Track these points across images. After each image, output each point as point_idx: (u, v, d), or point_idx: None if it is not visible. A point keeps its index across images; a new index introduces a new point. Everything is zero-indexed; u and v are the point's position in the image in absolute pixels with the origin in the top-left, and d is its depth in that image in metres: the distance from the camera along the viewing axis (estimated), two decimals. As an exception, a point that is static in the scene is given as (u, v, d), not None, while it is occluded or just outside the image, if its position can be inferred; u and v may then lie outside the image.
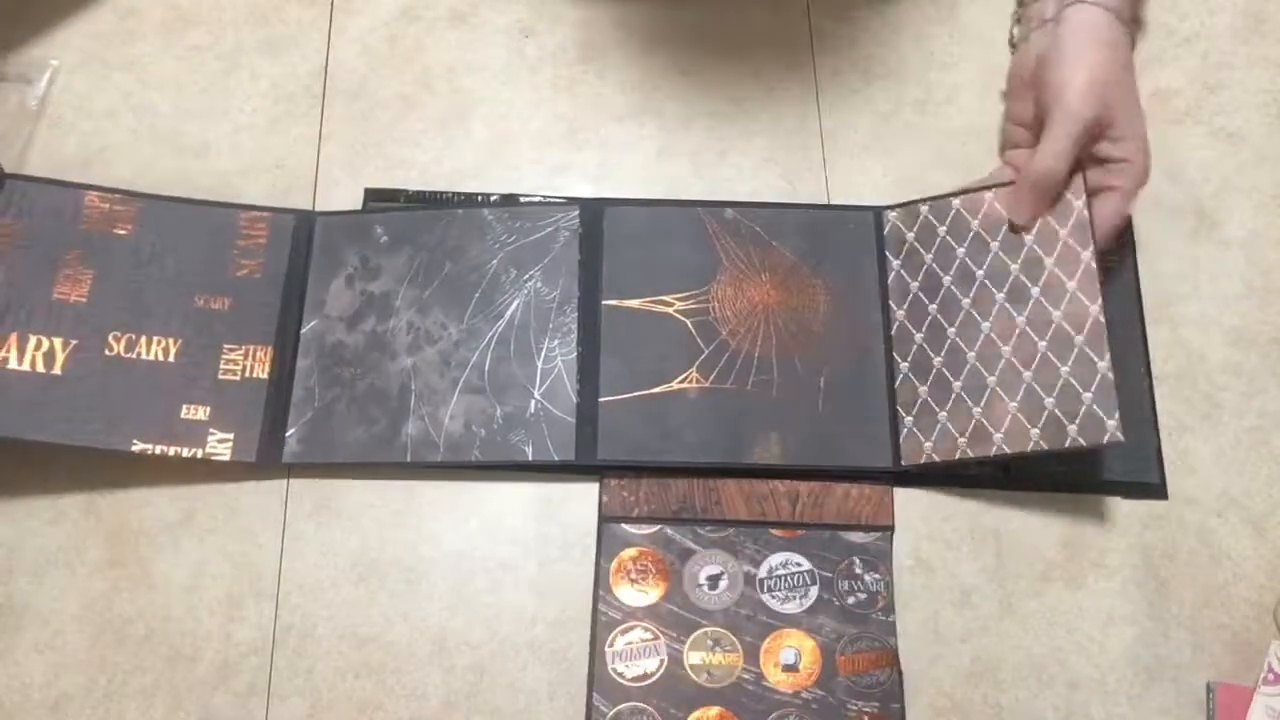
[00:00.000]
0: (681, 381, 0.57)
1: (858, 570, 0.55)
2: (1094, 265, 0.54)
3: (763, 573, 0.55)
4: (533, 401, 0.57)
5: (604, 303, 0.59)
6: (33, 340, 0.57)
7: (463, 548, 0.56)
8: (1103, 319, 0.53)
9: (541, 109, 0.66)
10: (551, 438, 0.57)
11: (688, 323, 0.59)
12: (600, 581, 0.55)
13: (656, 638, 0.54)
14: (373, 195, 0.63)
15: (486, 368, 0.58)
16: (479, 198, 0.63)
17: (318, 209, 0.63)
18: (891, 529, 0.56)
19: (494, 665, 0.54)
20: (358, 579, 0.56)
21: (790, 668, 0.53)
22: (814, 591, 0.54)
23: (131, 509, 0.57)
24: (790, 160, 0.64)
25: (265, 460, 0.56)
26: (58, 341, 0.57)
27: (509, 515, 0.57)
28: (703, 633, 0.54)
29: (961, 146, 0.64)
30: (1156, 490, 0.57)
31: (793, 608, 0.54)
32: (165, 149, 0.64)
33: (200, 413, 0.57)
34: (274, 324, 0.59)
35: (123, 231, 0.60)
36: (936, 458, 0.55)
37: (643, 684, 0.53)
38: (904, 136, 0.64)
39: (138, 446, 0.56)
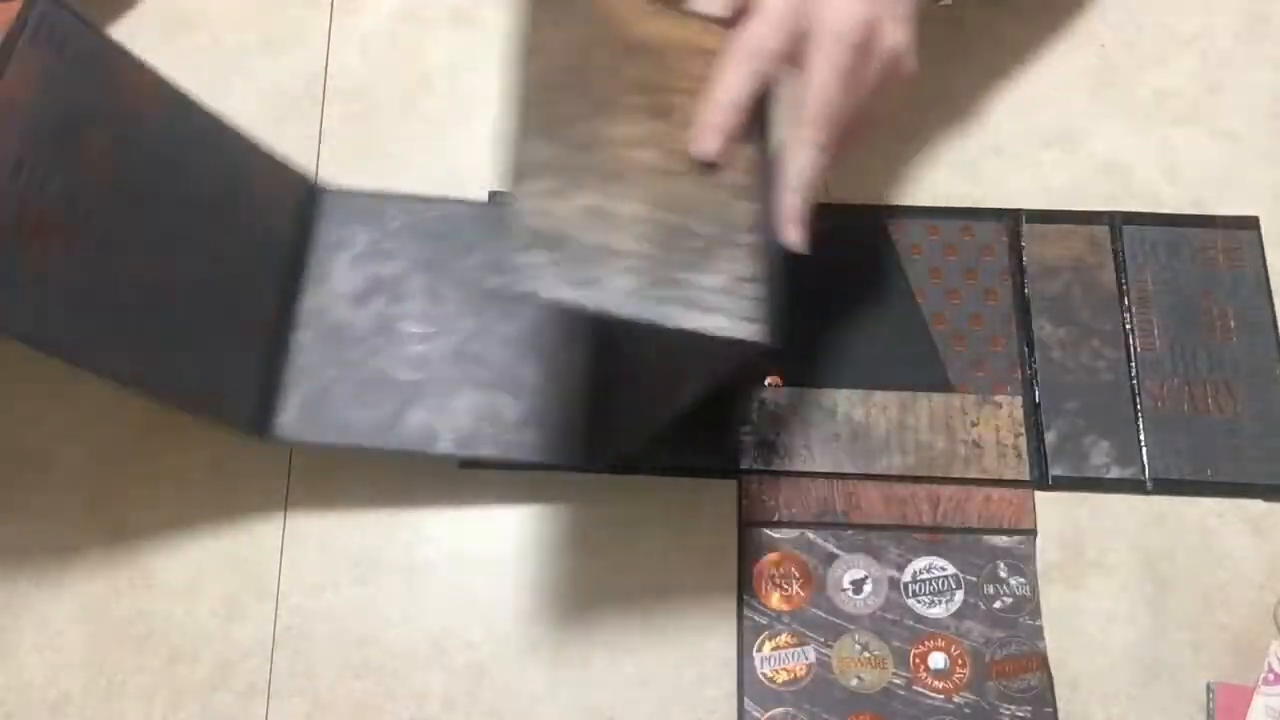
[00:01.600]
0: None
1: (1002, 574, 0.55)
2: None
3: (907, 577, 0.55)
4: (546, 401, 0.57)
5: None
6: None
7: (463, 548, 0.56)
8: None
9: (541, 109, 0.65)
10: (563, 439, 0.56)
11: None
12: (744, 586, 0.54)
13: (804, 643, 0.53)
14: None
15: (502, 365, 0.58)
16: (494, 195, 0.62)
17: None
18: (1034, 532, 0.55)
19: (494, 665, 0.54)
20: (358, 579, 0.56)
21: (941, 673, 0.53)
22: (959, 595, 0.54)
23: (131, 509, 0.57)
24: (790, 160, 0.64)
25: (253, 430, 0.54)
26: None
27: (509, 515, 0.57)
28: (850, 637, 0.54)
29: (962, 146, 0.64)
30: None
31: (939, 612, 0.54)
32: (165, 149, 0.64)
33: None
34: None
35: None
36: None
37: (793, 689, 0.53)
38: (904, 136, 0.64)
39: None
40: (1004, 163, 0.64)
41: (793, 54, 0.46)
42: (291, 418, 0.56)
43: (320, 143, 0.65)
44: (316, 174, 0.64)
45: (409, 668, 0.54)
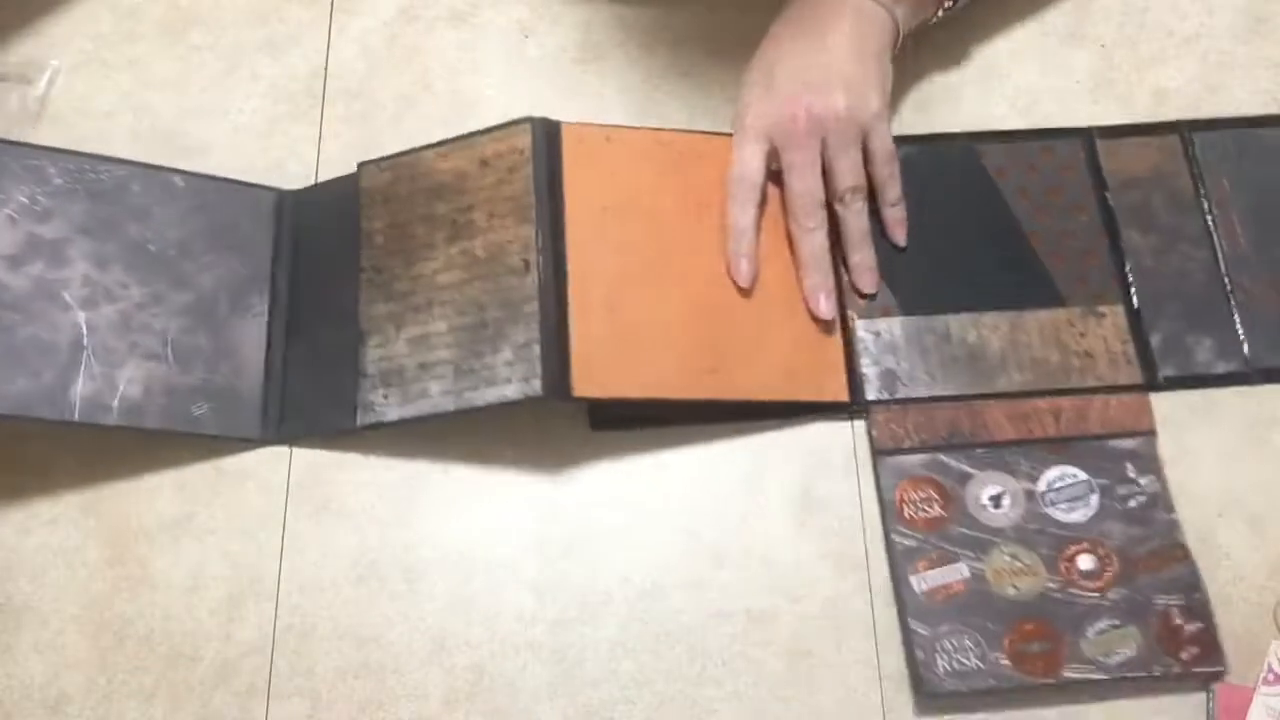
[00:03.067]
0: None
1: (1131, 475, 0.56)
2: None
3: (1042, 487, 0.56)
4: (218, 374, 0.57)
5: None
6: None
7: (463, 547, 0.56)
8: None
9: (541, 109, 0.65)
10: (237, 410, 0.57)
11: None
12: (887, 513, 0.56)
13: (956, 559, 0.55)
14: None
15: (171, 336, 0.57)
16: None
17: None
18: (1154, 433, 0.57)
19: (494, 665, 0.54)
20: (358, 579, 0.56)
21: (1092, 573, 0.54)
22: (1095, 499, 0.56)
23: (131, 509, 0.57)
24: (790, 160, 0.64)
25: None
26: None
27: (509, 514, 0.57)
28: (998, 549, 0.55)
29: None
30: None
31: (1079, 517, 0.55)
32: (165, 149, 0.64)
33: None
34: None
35: None
36: None
37: (955, 605, 0.54)
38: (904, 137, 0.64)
39: None
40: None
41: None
42: None
43: (320, 143, 0.65)
44: (316, 174, 0.64)
45: (409, 668, 0.54)
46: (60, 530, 0.57)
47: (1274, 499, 0.57)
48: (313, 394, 0.58)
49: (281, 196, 0.62)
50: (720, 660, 0.54)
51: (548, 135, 0.58)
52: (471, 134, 0.59)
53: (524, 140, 0.57)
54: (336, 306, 0.58)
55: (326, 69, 0.67)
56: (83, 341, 0.55)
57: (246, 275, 0.60)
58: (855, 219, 0.59)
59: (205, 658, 0.54)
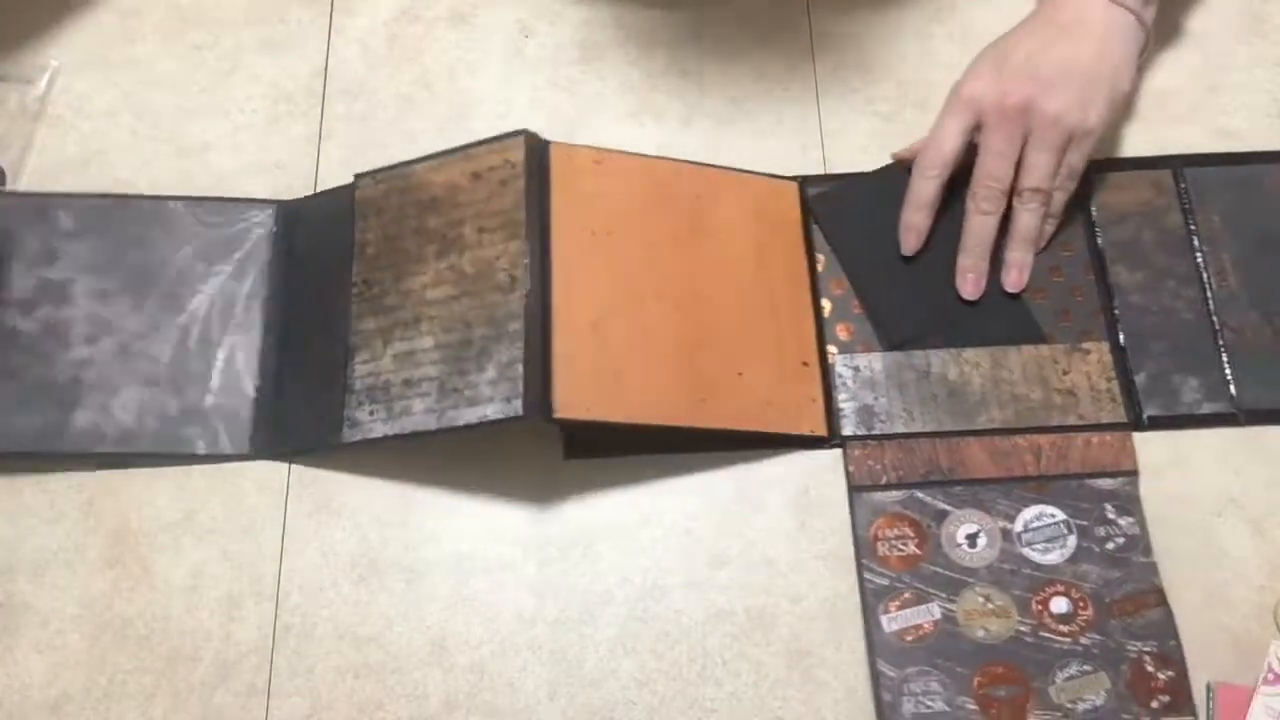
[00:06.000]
0: None
1: (1111, 515, 0.55)
2: None
3: (1019, 527, 0.55)
4: (209, 395, 0.58)
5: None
6: None
7: (462, 548, 0.56)
8: None
9: (541, 109, 0.66)
10: (227, 431, 0.57)
11: None
12: (861, 550, 0.55)
13: (927, 599, 0.54)
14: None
15: (165, 360, 0.58)
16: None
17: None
18: (1136, 473, 0.56)
19: (494, 665, 0.54)
20: (358, 579, 0.56)
21: (1065, 616, 0.54)
22: (1072, 540, 0.55)
23: (131, 509, 0.57)
24: (791, 160, 0.64)
25: None
26: None
27: (509, 515, 0.57)
28: (971, 590, 0.54)
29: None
30: None
31: (1055, 558, 0.55)
32: (165, 149, 0.64)
33: None
34: None
35: None
36: None
37: (923, 646, 0.53)
38: (905, 137, 0.64)
39: None
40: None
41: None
42: None
43: (320, 143, 0.65)
44: (316, 174, 0.64)
45: (409, 668, 0.54)
46: (60, 530, 0.57)
47: (1274, 499, 0.57)
48: (303, 410, 0.58)
49: (278, 209, 0.62)
50: (720, 660, 0.54)
51: (539, 152, 0.58)
52: (465, 145, 0.59)
53: (517, 153, 0.57)
54: (328, 320, 0.58)
55: (326, 69, 0.67)
56: (83, 376, 0.57)
57: (244, 292, 0.60)
58: (1029, 217, 0.58)
59: (205, 658, 0.54)
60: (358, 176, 0.60)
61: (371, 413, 0.55)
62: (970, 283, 0.59)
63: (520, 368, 0.52)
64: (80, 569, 0.56)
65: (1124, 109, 0.59)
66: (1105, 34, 0.58)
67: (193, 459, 0.57)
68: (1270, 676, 0.52)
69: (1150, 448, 0.57)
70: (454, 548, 0.56)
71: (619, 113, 0.65)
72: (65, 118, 0.65)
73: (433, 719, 0.53)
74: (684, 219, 0.59)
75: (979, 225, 0.58)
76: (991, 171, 0.58)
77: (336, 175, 0.63)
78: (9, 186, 0.62)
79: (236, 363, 0.58)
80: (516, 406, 0.52)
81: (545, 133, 0.64)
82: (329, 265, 0.59)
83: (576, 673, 0.54)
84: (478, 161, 0.58)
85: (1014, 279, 0.60)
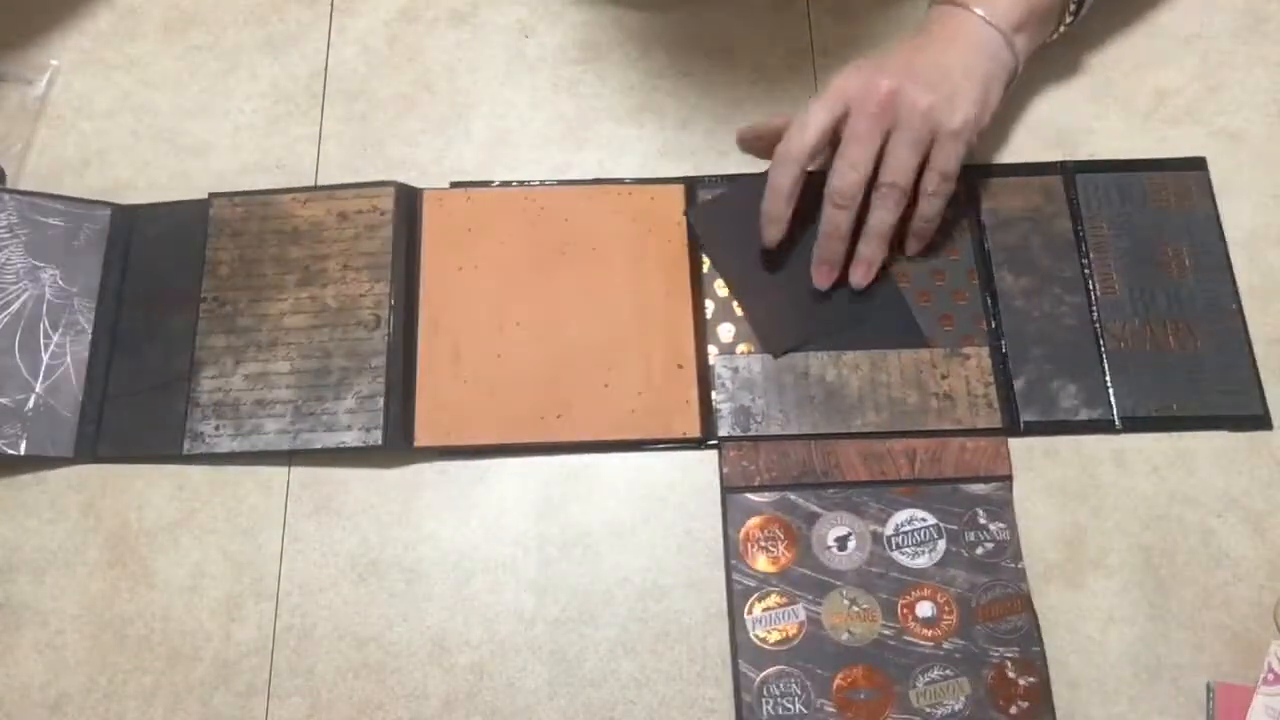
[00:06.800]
0: None
1: (982, 520, 0.56)
2: None
3: (889, 530, 0.56)
4: (33, 396, 0.57)
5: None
6: None
7: (463, 548, 0.56)
8: None
9: (541, 109, 0.66)
10: (52, 431, 0.57)
11: None
12: (730, 551, 0.55)
13: (793, 602, 0.54)
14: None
15: None
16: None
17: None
18: (1010, 478, 0.56)
19: (494, 665, 0.54)
20: (358, 579, 0.56)
21: (929, 621, 0.54)
22: (942, 545, 0.55)
23: (131, 509, 0.57)
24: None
25: None
26: None
27: (509, 515, 0.57)
28: (838, 593, 0.54)
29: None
30: (1261, 421, 0.57)
31: (923, 562, 0.55)
32: (165, 149, 0.64)
33: None
34: None
35: None
36: None
37: (786, 647, 0.53)
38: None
39: None
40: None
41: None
42: None
43: (320, 143, 0.65)
44: (317, 174, 0.64)
45: (409, 668, 0.54)
46: (60, 530, 0.57)
47: (1274, 499, 0.57)
48: (137, 416, 0.58)
49: (114, 213, 0.62)
50: (720, 660, 0.54)
51: (409, 199, 0.61)
52: (333, 186, 0.62)
53: (387, 202, 0.61)
54: (169, 330, 0.59)
55: (326, 69, 0.67)
56: None
57: (74, 292, 0.59)
58: (882, 213, 0.57)
59: (205, 658, 0.54)
60: (213, 195, 0.62)
61: (218, 427, 0.57)
62: (823, 274, 0.59)
63: (382, 400, 0.56)
64: (80, 569, 0.56)
65: (989, 124, 0.58)
66: (978, 47, 0.58)
67: (14, 459, 0.56)
68: (1270, 676, 0.52)
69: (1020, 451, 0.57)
70: (454, 548, 0.56)
71: (619, 113, 0.65)
72: (65, 118, 0.65)
73: (432, 719, 0.53)
74: (552, 243, 0.61)
75: (832, 217, 0.57)
76: (851, 158, 0.56)
77: (336, 175, 0.63)
78: (9, 186, 0.61)
79: (64, 364, 0.58)
80: (376, 437, 0.56)
81: (545, 133, 0.65)
82: (172, 274, 0.60)
83: (576, 673, 0.54)
84: (345, 204, 0.61)
85: (860, 274, 0.59)
